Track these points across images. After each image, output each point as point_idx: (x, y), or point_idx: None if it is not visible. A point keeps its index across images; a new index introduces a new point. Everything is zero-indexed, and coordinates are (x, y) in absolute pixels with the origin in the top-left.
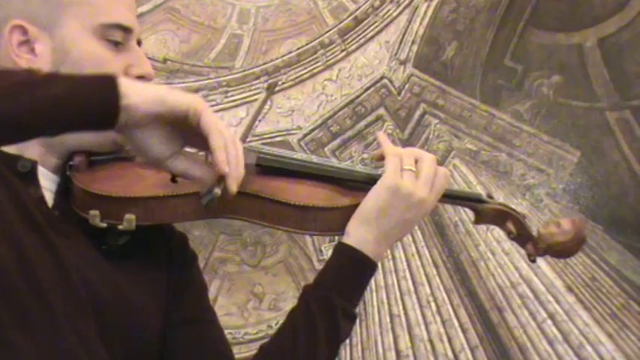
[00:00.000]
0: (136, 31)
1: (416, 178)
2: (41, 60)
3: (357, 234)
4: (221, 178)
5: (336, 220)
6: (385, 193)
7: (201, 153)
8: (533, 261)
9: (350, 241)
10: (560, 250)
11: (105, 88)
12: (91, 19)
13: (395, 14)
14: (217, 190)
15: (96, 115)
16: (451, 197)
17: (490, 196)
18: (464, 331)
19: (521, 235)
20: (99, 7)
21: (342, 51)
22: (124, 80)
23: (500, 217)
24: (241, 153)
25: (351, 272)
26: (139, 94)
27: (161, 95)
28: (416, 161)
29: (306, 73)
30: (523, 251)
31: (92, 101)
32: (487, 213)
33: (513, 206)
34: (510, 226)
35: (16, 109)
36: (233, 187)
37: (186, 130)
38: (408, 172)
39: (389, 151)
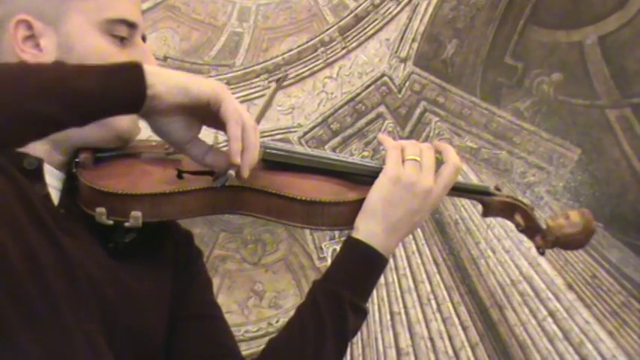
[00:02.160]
0: (141, 26)
1: (420, 168)
2: (46, 55)
3: (365, 227)
4: (234, 165)
5: (343, 214)
6: (387, 184)
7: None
8: (542, 253)
9: (358, 235)
10: (569, 242)
11: (133, 79)
12: (97, 14)
13: (395, 12)
14: (232, 172)
15: (125, 105)
16: (459, 190)
17: (498, 189)
18: (464, 329)
19: (530, 228)
20: (104, 2)
21: (343, 49)
22: (149, 69)
23: (509, 209)
24: (257, 140)
25: (359, 266)
26: (163, 84)
27: (185, 85)
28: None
29: (306, 70)
30: (524, 248)
31: (122, 93)
32: (495, 206)
33: (521, 198)
34: (519, 218)
35: (50, 106)
36: (245, 173)
37: (208, 114)
38: (411, 161)
39: (389, 145)
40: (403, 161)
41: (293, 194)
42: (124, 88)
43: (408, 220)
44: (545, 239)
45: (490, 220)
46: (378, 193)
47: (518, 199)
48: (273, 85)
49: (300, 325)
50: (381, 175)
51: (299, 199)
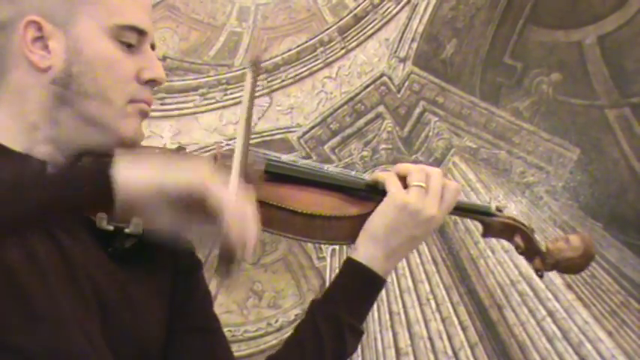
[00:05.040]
0: (151, 34)
1: (425, 195)
2: (54, 57)
3: (366, 251)
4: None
5: (343, 229)
6: (393, 211)
7: None
8: (541, 276)
9: (359, 258)
10: (569, 266)
11: (100, 188)
12: (106, 19)
13: (394, 12)
14: (233, 267)
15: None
16: (460, 210)
17: (499, 209)
18: (463, 329)
19: (530, 250)
20: (115, 7)
21: (342, 49)
22: (118, 172)
23: (509, 230)
24: (254, 224)
25: (359, 289)
26: (134, 184)
27: (159, 180)
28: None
29: (305, 70)
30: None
31: (87, 204)
32: (495, 226)
33: (522, 220)
34: (519, 240)
35: (10, 214)
36: (248, 258)
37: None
38: (417, 188)
39: (382, 175)
40: (407, 186)
41: (294, 207)
42: (89, 197)
43: (409, 244)
44: (544, 262)
45: None
46: (382, 218)
47: (519, 220)
48: (248, 72)
49: (299, 346)
50: (386, 200)
51: (299, 212)
